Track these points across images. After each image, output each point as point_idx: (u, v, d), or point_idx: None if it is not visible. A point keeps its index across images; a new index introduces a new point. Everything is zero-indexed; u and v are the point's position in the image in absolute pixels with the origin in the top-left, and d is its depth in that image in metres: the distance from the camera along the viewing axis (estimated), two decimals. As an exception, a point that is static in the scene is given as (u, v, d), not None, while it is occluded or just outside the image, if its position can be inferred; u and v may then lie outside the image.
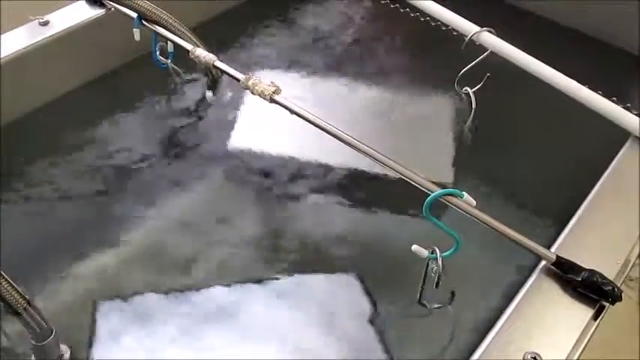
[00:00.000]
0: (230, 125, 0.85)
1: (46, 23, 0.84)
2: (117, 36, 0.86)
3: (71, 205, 0.75)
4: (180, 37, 0.81)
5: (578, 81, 0.78)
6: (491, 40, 0.81)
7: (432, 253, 0.61)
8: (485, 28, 0.82)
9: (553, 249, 0.60)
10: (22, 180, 0.76)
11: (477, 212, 0.60)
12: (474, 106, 0.86)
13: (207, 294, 0.65)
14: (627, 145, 0.72)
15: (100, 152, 0.80)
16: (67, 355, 0.57)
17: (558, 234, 0.63)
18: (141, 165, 0.79)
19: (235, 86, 0.82)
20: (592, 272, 0.57)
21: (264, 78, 0.87)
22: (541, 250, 0.59)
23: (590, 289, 0.56)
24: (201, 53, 0.77)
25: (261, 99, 0.71)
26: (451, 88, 0.87)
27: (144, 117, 0.86)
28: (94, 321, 0.62)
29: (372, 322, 0.63)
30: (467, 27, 0.83)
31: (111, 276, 0.67)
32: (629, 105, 0.84)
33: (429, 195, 0.60)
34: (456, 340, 0.61)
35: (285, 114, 0.70)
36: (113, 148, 0.81)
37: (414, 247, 0.62)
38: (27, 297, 0.52)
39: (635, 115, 0.76)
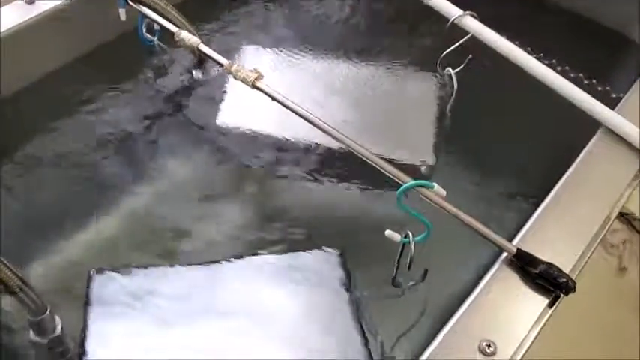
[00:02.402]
0: (216, 103, 0.86)
1: (32, 2, 0.83)
2: (104, 13, 0.86)
3: (60, 181, 0.77)
4: (166, 17, 0.82)
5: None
6: (473, 24, 0.82)
7: (406, 237, 0.64)
8: (467, 12, 0.82)
9: (516, 240, 0.63)
10: (12, 156, 0.78)
11: (445, 204, 0.63)
12: (455, 87, 0.88)
13: (190, 272, 0.67)
14: (595, 137, 0.73)
15: (89, 128, 0.82)
16: (59, 326, 0.59)
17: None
18: (129, 141, 0.81)
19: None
20: (549, 265, 0.59)
21: (249, 55, 0.88)
22: (502, 242, 0.61)
23: (546, 280, 0.59)
24: (186, 36, 0.78)
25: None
26: (434, 69, 0.88)
27: (132, 93, 0.87)
28: (88, 291, 0.65)
29: (349, 297, 0.66)
30: (450, 10, 0.83)
31: (102, 249, 0.70)
32: (608, 88, 0.85)
33: (401, 185, 0.62)
34: (418, 326, 0.64)
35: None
36: (102, 124, 0.82)
37: (388, 232, 0.65)
38: (21, 276, 0.53)
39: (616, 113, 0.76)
